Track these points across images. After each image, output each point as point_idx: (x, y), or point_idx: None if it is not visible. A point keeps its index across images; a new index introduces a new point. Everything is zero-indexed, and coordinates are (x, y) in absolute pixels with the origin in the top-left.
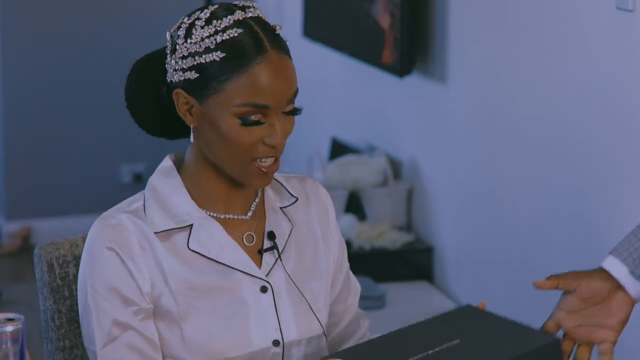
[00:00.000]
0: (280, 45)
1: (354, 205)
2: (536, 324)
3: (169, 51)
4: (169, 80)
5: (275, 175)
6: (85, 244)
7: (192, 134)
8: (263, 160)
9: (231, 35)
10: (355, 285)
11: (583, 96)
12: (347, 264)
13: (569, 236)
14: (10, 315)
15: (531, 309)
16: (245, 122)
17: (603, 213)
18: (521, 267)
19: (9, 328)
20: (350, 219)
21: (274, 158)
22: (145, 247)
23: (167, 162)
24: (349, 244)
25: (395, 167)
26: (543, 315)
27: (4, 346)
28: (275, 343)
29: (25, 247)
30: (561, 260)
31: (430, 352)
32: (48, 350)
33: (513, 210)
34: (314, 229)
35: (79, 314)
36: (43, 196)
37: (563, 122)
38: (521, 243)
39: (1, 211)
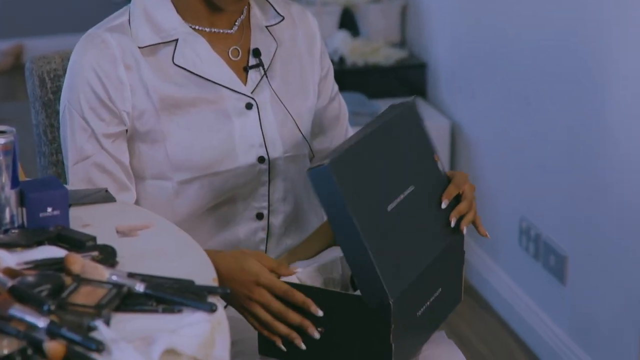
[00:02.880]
0: None
1: (347, 21)
2: (531, 130)
3: None
4: None
5: None
6: (69, 62)
7: None
8: None
9: None
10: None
11: None
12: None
13: (562, 56)
14: (2, 127)
15: (523, 122)
16: None
17: (598, 38)
18: (513, 81)
19: (1, 140)
20: (343, 35)
21: None
22: (129, 65)
23: None
24: (342, 60)
25: None
26: (534, 129)
27: None
28: (261, 159)
29: (17, 65)
30: (554, 75)
31: (389, 207)
32: (41, 165)
33: (508, 25)
34: (300, 52)
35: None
36: (35, 14)
37: None
38: (515, 58)
39: None
